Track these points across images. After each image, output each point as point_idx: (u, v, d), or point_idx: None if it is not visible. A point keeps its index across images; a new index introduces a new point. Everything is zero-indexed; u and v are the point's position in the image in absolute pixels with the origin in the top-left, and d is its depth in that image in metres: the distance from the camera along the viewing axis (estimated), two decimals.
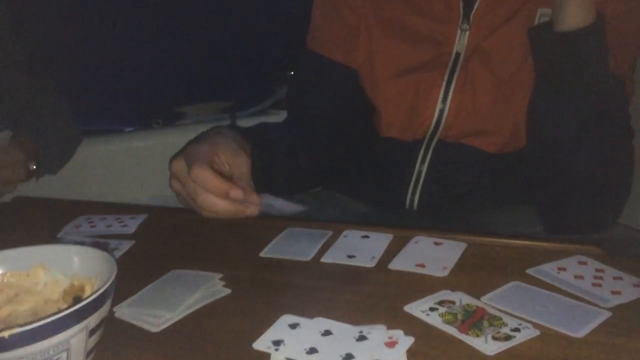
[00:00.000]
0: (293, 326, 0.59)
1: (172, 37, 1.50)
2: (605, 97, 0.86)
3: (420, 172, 1.04)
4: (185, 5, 1.52)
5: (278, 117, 1.42)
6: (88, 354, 0.52)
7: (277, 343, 0.56)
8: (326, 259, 0.76)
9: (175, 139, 1.34)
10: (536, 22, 0.93)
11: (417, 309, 0.62)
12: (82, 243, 0.80)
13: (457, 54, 1.00)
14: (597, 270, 0.69)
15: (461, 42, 0.99)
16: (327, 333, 0.57)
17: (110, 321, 0.61)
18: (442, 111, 1.01)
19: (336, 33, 1.08)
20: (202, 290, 0.68)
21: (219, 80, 1.58)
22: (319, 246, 0.79)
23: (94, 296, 0.50)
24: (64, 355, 0.49)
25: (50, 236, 0.85)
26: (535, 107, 0.92)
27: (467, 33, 0.98)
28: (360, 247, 0.79)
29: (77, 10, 1.49)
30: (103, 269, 0.57)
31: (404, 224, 0.96)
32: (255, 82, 1.57)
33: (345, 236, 0.82)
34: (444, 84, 1.00)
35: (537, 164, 0.96)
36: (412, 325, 0.59)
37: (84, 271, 0.59)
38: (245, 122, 1.39)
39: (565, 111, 0.87)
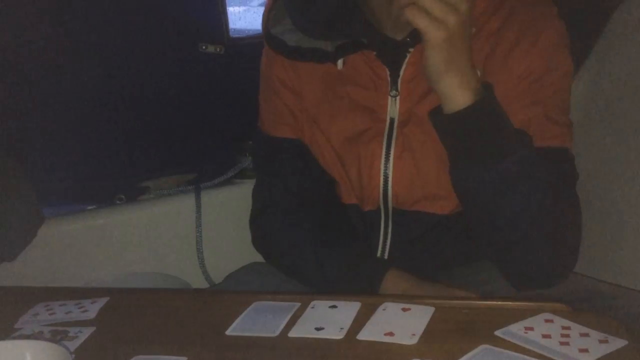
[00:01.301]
0: None
1: (131, 112, 1.50)
2: (519, 157, 0.88)
3: (385, 238, 1.05)
4: (145, 79, 1.54)
5: (243, 185, 1.42)
6: None
7: None
8: (294, 333, 0.74)
9: (138, 214, 1.33)
10: None
11: None
12: (40, 333, 0.78)
13: (392, 121, 1.02)
14: (564, 327, 0.69)
15: (392, 108, 1.01)
16: None
17: None
18: (386, 179, 1.02)
19: (279, 113, 1.10)
20: None
21: (181, 152, 1.58)
22: (287, 320, 0.78)
23: None
24: None
25: (7, 327, 0.82)
26: (453, 179, 0.94)
27: (397, 99, 1.00)
28: (328, 318, 0.77)
29: (37, 86, 1.49)
30: None
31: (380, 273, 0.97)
32: (218, 152, 1.57)
33: (312, 307, 0.81)
34: (384, 152, 1.01)
35: (475, 229, 0.98)
36: None
37: None
38: (210, 194, 1.39)
39: (479, 180, 0.89)
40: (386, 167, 1.01)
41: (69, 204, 1.43)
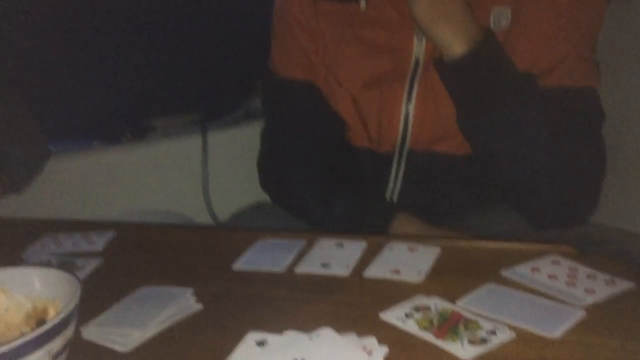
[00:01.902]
0: (261, 343, 0.57)
1: (138, 50, 1.48)
2: (521, 103, 0.87)
3: (395, 181, 1.04)
4: (152, 18, 1.50)
5: (250, 127, 1.40)
6: None
7: None
8: (300, 269, 0.75)
9: (144, 152, 1.32)
10: (490, 22, 0.94)
11: (393, 316, 0.62)
12: (47, 263, 0.79)
13: (416, 63, 1.00)
14: (571, 269, 0.69)
15: (419, 49, 0.99)
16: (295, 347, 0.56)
17: (76, 342, 0.59)
18: (407, 120, 1.01)
19: (292, 54, 1.08)
20: (173, 306, 0.66)
21: (188, 91, 1.56)
22: (293, 256, 0.78)
23: (57, 320, 0.48)
24: None
25: (15, 257, 0.82)
26: (459, 126, 0.95)
27: (424, 40, 0.98)
28: (334, 256, 0.78)
29: (42, 24, 1.46)
30: (66, 290, 0.55)
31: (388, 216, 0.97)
32: (225, 92, 1.55)
33: (319, 245, 0.81)
34: (406, 93, 1.00)
35: (486, 171, 0.98)
36: (388, 333, 0.58)
37: (47, 293, 0.57)
38: (217, 134, 1.37)
39: (481, 126, 0.90)
40: (407, 109, 1.00)
41: (75, 141, 1.42)
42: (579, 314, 0.60)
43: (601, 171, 0.95)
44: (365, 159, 1.07)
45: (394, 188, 1.06)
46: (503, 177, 0.96)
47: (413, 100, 0.99)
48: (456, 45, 0.87)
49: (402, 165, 1.04)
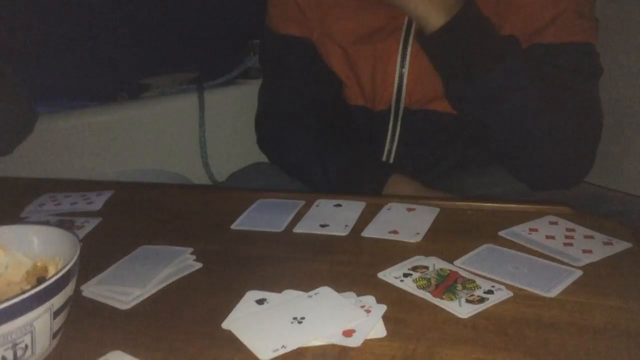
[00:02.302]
0: (260, 302, 0.58)
1: (134, 7, 1.44)
2: (504, 70, 0.87)
3: (392, 140, 1.04)
4: None
5: (247, 86, 1.39)
6: (54, 335, 0.50)
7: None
8: (298, 229, 0.75)
9: (140, 111, 1.31)
10: None
11: (391, 275, 0.62)
12: (46, 222, 0.79)
13: (410, 19, 0.98)
14: (568, 230, 0.70)
15: None
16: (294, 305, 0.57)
17: (77, 300, 0.59)
18: (401, 78, 1.00)
19: (287, 9, 1.07)
20: (173, 265, 0.66)
21: (184, 50, 1.54)
22: (291, 217, 0.78)
23: (57, 276, 0.48)
24: (27, 338, 0.47)
25: (12, 217, 0.82)
26: (447, 98, 0.95)
27: None
28: (333, 216, 0.78)
29: None
30: (66, 248, 0.55)
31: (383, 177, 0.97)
32: (222, 51, 1.53)
33: (317, 205, 0.81)
34: (400, 49, 0.99)
35: (483, 139, 0.99)
36: (386, 292, 0.59)
37: (47, 251, 0.57)
38: (213, 93, 1.36)
39: (466, 95, 0.90)
40: (402, 65, 0.99)
41: (70, 100, 1.40)
42: (576, 274, 0.60)
43: (596, 131, 0.95)
44: (361, 117, 1.07)
45: (390, 148, 1.05)
46: (494, 143, 0.96)
47: (407, 58, 0.98)
48: (434, 18, 0.87)
49: (398, 124, 1.03)
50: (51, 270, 0.56)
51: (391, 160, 1.06)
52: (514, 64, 0.88)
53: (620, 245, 0.65)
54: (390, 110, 1.03)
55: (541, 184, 0.96)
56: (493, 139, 0.96)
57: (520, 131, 0.90)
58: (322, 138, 1.04)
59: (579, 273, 0.61)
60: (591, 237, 0.68)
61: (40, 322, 0.47)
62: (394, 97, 1.01)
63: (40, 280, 0.54)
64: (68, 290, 0.51)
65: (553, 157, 0.92)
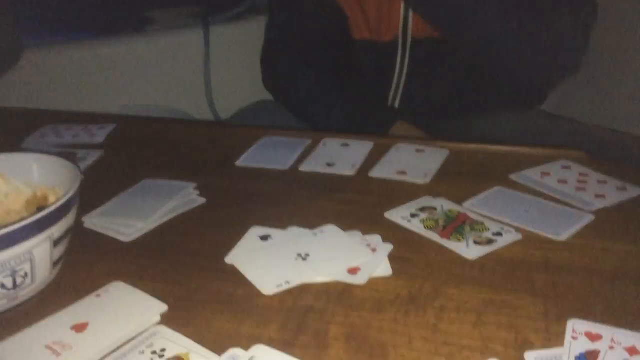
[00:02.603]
0: (264, 238, 0.57)
1: None
2: None
3: (400, 73, 1.01)
4: None
5: (255, 22, 1.34)
6: (54, 265, 0.50)
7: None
8: (304, 167, 0.73)
9: (143, 46, 1.27)
10: None
11: (398, 215, 0.61)
12: (47, 153, 0.77)
13: None
14: (581, 174, 0.68)
15: None
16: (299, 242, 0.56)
17: (79, 231, 0.59)
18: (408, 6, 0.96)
19: None
20: (176, 199, 0.65)
21: None
22: (297, 155, 0.76)
23: (58, 205, 0.47)
24: (27, 266, 0.46)
25: (13, 147, 0.81)
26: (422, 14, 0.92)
27: None
28: (339, 155, 0.76)
29: None
30: (66, 178, 0.53)
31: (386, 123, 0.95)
32: None
33: (324, 144, 0.79)
34: None
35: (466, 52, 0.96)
36: (392, 232, 0.58)
37: (47, 181, 0.56)
38: (219, 28, 1.32)
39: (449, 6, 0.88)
40: None
41: (74, 33, 1.36)
42: (587, 218, 0.59)
43: (581, 19, 0.91)
44: (367, 52, 1.03)
45: (398, 83, 1.02)
46: (473, 50, 0.94)
47: None
48: None
49: (407, 55, 1.00)
50: (51, 200, 0.55)
51: (398, 98, 1.03)
52: None
53: (635, 191, 0.63)
54: (397, 42, 0.99)
55: (524, 84, 0.96)
56: (472, 52, 0.93)
57: (491, 37, 0.88)
58: (328, 77, 1.01)
59: (591, 217, 0.59)
60: (605, 182, 0.66)
61: (39, 251, 0.47)
62: (401, 25, 0.97)
63: (41, 209, 0.53)
64: (68, 220, 0.49)
65: (531, 58, 0.90)
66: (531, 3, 0.87)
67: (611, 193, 0.63)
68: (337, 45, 1.05)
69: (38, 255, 0.47)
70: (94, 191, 0.67)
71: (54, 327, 0.45)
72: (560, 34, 0.90)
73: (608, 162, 0.71)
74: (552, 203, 0.62)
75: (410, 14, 0.97)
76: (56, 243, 0.48)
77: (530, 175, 0.68)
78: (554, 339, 0.43)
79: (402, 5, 0.96)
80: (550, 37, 0.89)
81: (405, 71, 1.01)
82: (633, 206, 0.61)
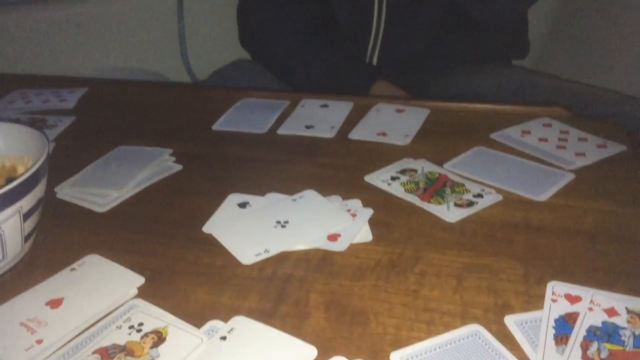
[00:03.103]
0: (242, 205, 0.56)
1: None
2: None
3: (378, 29, 0.98)
4: None
5: None
6: (26, 239, 0.48)
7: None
8: (283, 130, 0.72)
9: (115, 5, 1.22)
10: None
11: (378, 178, 0.60)
12: (17, 120, 0.74)
13: None
14: (562, 132, 0.67)
15: None
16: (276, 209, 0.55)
17: (51, 203, 0.57)
18: None
19: None
20: (152, 166, 0.64)
21: None
22: (275, 117, 0.75)
23: (25, 176, 0.46)
24: None
25: None
26: None
27: None
28: (318, 117, 0.74)
29: None
30: (35, 147, 0.52)
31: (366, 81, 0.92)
32: None
33: (302, 106, 0.78)
34: None
35: None
36: (372, 196, 0.57)
37: (14, 151, 0.54)
38: None
39: None
40: None
41: None
42: (568, 177, 0.59)
43: None
44: (344, 6, 1.00)
45: (376, 38, 0.99)
46: None
47: None
48: None
49: (383, 10, 0.97)
50: (20, 170, 0.53)
51: (376, 53, 1.01)
52: None
53: (615, 148, 0.63)
54: None
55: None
56: None
57: None
58: (306, 34, 0.99)
59: (571, 176, 0.59)
60: (585, 139, 0.66)
61: (9, 225, 0.45)
62: None
63: (9, 180, 0.51)
64: (38, 192, 0.48)
65: None
66: None
67: (591, 151, 0.63)
68: (315, 1, 1.02)
69: (7, 230, 0.45)
70: (66, 160, 0.65)
71: (28, 304, 0.44)
72: None
73: (589, 118, 0.71)
74: (532, 162, 0.62)
75: None
76: (26, 216, 0.47)
77: (511, 134, 0.67)
78: (534, 301, 0.43)
79: None
80: None
81: (382, 25, 0.98)
82: (613, 164, 0.61)
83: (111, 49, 1.20)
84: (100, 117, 0.78)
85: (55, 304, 0.44)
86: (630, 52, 1.03)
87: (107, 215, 0.56)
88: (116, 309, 0.43)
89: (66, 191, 0.60)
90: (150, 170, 0.63)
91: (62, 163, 0.63)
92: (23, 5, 1.19)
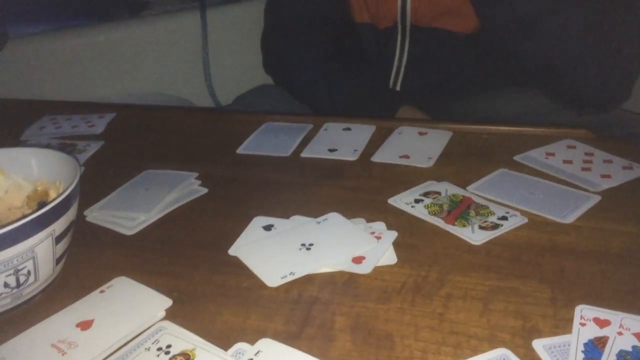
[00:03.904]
0: (267, 228, 0.56)
1: None
2: None
3: (401, 58, 0.99)
4: None
5: (252, 5, 1.32)
6: (57, 261, 0.49)
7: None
8: (306, 153, 0.73)
9: (140, 31, 1.25)
10: None
11: (402, 201, 0.60)
12: (47, 145, 0.77)
13: None
14: (587, 154, 0.67)
15: None
16: (302, 232, 0.55)
17: (81, 226, 0.58)
18: None
19: None
20: (178, 190, 0.65)
21: None
22: (299, 140, 0.76)
23: (58, 200, 0.47)
24: (29, 263, 0.46)
25: (12, 139, 0.80)
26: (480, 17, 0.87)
27: None
28: (341, 140, 0.75)
29: None
30: (66, 171, 0.53)
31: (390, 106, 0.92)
32: None
33: (325, 129, 0.79)
34: None
35: (526, 55, 0.91)
36: (396, 218, 0.57)
37: (47, 175, 0.55)
38: (216, 12, 1.30)
39: (509, 19, 0.83)
40: None
41: (69, 19, 1.35)
42: (594, 200, 0.58)
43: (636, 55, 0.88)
44: (368, 36, 1.02)
45: (399, 67, 1.00)
46: (538, 63, 0.88)
47: None
48: None
49: (406, 41, 0.98)
50: (52, 195, 0.54)
51: (399, 80, 1.02)
52: None
53: None
54: (396, 28, 0.97)
55: (586, 104, 0.90)
56: (537, 58, 0.88)
57: (562, 56, 0.83)
58: (330, 59, 1.00)
59: (597, 198, 0.58)
60: (610, 161, 0.65)
61: (42, 248, 0.46)
62: (399, 13, 0.95)
63: (42, 205, 0.52)
64: (70, 215, 0.49)
65: (599, 71, 0.85)
66: (606, 22, 0.82)
67: (617, 172, 0.62)
68: (339, 28, 1.04)
69: (40, 253, 0.46)
70: (95, 183, 0.67)
71: (59, 325, 0.45)
72: (627, 54, 0.86)
73: (613, 139, 0.70)
74: (557, 184, 0.62)
75: (408, 2, 0.94)
76: (58, 239, 0.48)
77: (535, 156, 0.67)
78: (562, 325, 0.42)
79: None
80: (621, 58, 0.86)
81: (405, 55, 0.99)
82: (639, 185, 0.60)
83: (136, 74, 1.23)
84: (127, 141, 0.80)
85: (85, 325, 0.45)
86: None
87: (135, 238, 0.57)
88: (145, 330, 0.44)
89: (95, 214, 0.61)
90: (177, 193, 0.64)
91: (91, 187, 0.64)
92: (51, 33, 1.23)
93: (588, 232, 0.54)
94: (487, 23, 0.89)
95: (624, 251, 0.51)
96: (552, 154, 0.67)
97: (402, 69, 1.00)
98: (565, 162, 0.66)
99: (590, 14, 0.81)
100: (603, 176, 0.62)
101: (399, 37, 0.98)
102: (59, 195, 0.47)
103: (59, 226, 0.48)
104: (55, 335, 0.44)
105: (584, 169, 0.64)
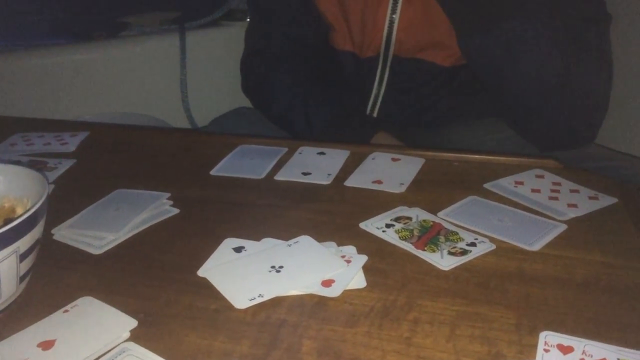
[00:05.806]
0: (238, 250, 0.56)
1: None
2: (524, 18, 0.81)
3: (380, 86, 1.01)
4: None
5: (231, 28, 1.34)
6: (21, 279, 0.48)
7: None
8: (280, 176, 0.73)
9: (118, 51, 1.26)
10: None
11: (373, 225, 0.61)
12: (17, 162, 0.75)
13: None
14: (554, 183, 0.69)
15: None
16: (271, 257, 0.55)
17: (48, 244, 0.58)
18: (392, 24, 0.96)
19: None
20: (149, 210, 0.64)
21: None
22: (273, 164, 0.76)
23: (23, 217, 0.46)
24: None
25: None
26: (461, 49, 0.88)
27: None
28: (315, 164, 0.76)
29: None
30: (34, 188, 0.52)
31: (366, 132, 0.94)
32: None
33: (300, 153, 0.79)
34: None
35: (498, 96, 0.93)
36: (367, 243, 0.57)
37: (14, 192, 0.54)
38: (195, 34, 1.31)
39: (483, 45, 0.84)
40: (393, 12, 0.95)
41: (46, 37, 1.34)
42: (560, 228, 0.59)
43: (609, 82, 0.90)
44: (349, 63, 1.03)
45: (377, 95, 1.02)
46: (511, 100, 0.90)
47: (400, 4, 0.94)
48: None
49: (386, 71, 1.00)
50: (19, 211, 0.53)
51: (377, 107, 1.03)
52: (536, 13, 0.81)
53: (606, 200, 0.64)
54: (378, 58, 0.99)
55: (553, 143, 0.92)
56: (508, 98, 0.90)
57: (536, 84, 0.84)
58: (308, 85, 1.01)
59: (563, 227, 0.60)
60: (577, 191, 0.67)
61: (5, 265, 0.45)
62: (383, 44, 0.97)
63: (8, 221, 0.52)
64: (35, 233, 0.48)
65: (568, 114, 0.87)
66: (575, 56, 0.84)
67: (583, 202, 0.64)
68: (319, 54, 1.05)
69: (4, 270, 0.46)
70: (65, 202, 0.66)
71: (20, 345, 0.44)
72: (595, 91, 0.88)
73: (580, 170, 0.72)
74: (525, 212, 0.63)
75: (394, 33, 0.96)
76: (23, 257, 0.47)
77: (504, 184, 0.69)
78: (527, 351, 0.43)
79: (386, 23, 0.96)
80: (590, 94, 0.88)
81: (384, 84, 1.01)
82: (605, 216, 0.62)
83: (113, 94, 1.23)
84: (100, 160, 0.79)
85: (47, 345, 0.44)
86: (620, 109, 1.05)
87: (103, 257, 0.57)
88: (108, 351, 0.43)
89: (63, 233, 0.60)
90: (148, 213, 0.64)
91: (60, 205, 0.63)
92: (28, 50, 1.22)
93: (554, 259, 0.55)
94: (467, 56, 0.90)
95: (588, 279, 0.52)
96: (521, 183, 0.69)
97: (380, 97, 1.02)
98: (533, 190, 0.67)
99: (560, 45, 0.83)
100: (570, 205, 0.63)
101: (380, 67, 1.00)
102: (24, 212, 0.47)
103: (23, 244, 0.47)
104: (16, 355, 0.43)
105: (551, 198, 0.65)
